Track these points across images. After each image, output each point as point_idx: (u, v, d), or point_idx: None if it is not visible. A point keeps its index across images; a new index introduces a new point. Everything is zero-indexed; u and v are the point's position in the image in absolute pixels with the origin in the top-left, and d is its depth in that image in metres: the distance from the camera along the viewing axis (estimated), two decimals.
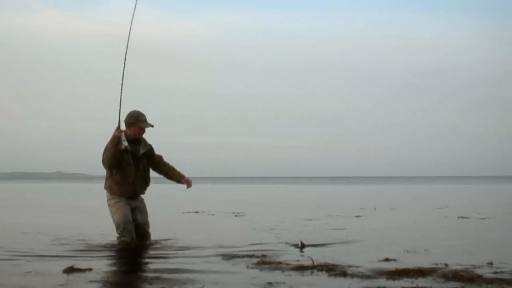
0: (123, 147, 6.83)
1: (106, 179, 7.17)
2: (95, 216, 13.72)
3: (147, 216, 7.32)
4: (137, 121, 6.96)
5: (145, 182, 7.23)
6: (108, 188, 7.15)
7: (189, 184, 7.30)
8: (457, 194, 31.20)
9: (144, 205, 7.32)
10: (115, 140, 6.83)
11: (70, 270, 5.53)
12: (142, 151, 7.10)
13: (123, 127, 6.99)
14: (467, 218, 12.60)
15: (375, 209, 16.04)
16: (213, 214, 13.88)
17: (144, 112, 7.07)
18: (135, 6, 7.04)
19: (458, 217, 12.75)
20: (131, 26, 7.01)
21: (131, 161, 6.96)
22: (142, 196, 7.34)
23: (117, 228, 7.08)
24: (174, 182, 7.51)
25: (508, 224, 11.51)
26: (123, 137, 6.87)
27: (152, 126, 7.03)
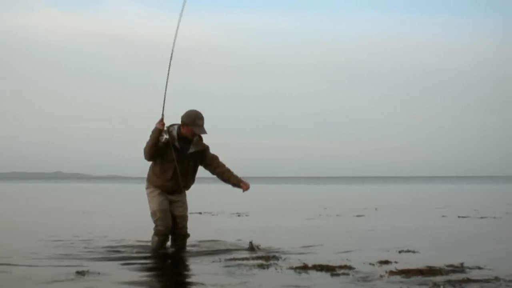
0: (163, 139, 6.62)
1: (149, 168, 7.01)
2: (97, 217, 13.76)
3: (186, 211, 7.06)
4: (192, 124, 6.69)
5: (187, 182, 6.94)
6: (148, 178, 6.99)
7: (245, 187, 6.94)
8: (458, 194, 31.20)
9: (185, 200, 7.07)
10: (156, 132, 6.60)
11: (80, 274, 5.52)
12: (191, 150, 6.81)
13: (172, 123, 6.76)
14: (467, 218, 12.63)
15: (376, 209, 16.07)
16: (216, 215, 13.91)
17: (202, 115, 6.76)
18: (182, 9, 6.54)
19: (458, 217, 12.78)
20: (177, 29, 6.60)
21: (175, 158, 6.70)
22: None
23: (153, 215, 6.87)
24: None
25: (508, 224, 11.52)
26: (171, 135, 6.69)
27: (206, 133, 6.76)
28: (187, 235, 7.13)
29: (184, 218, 7.04)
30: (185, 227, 7.06)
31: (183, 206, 7.03)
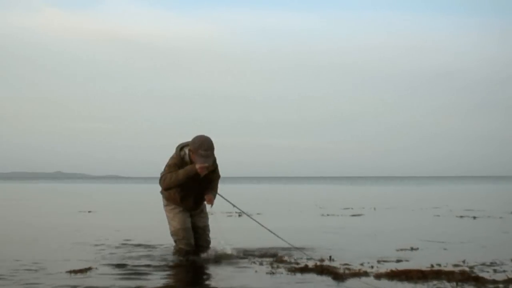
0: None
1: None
2: (101, 217, 13.73)
3: (207, 220, 7.02)
4: (195, 152, 6.42)
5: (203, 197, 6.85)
6: (167, 197, 6.85)
7: (208, 201, 6.70)
8: (462, 194, 31.18)
9: (205, 208, 7.03)
10: (192, 174, 6.41)
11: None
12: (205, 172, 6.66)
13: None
14: (466, 218, 12.61)
15: (374, 208, 16.05)
16: (218, 213, 13.86)
17: (208, 145, 6.46)
18: None
19: (457, 217, 12.76)
20: None
21: (193, 182, 6.59)
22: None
23: (175, 235, 6.73)
24: None
25: (508, 224, 11.50)
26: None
27: (208, 165, 6.47)
28: (209, 240, 7.04)
29: (207, 228, 7.01)
30: (207, 238, 7.00)
31: (205, 216, 7.01)
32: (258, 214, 14.12)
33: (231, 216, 13.37)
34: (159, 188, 6.94)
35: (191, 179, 6.55)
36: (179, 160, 6.54)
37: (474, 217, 12.54)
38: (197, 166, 6.38)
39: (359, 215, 13.57)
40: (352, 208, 16.07)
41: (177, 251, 6.75)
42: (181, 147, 6.62)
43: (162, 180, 6.56)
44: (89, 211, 15.65)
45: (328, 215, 13.72)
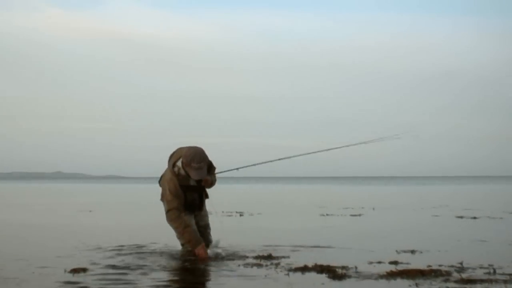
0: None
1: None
2: (100, 217, 13.72)
3: (208, 219, 7.16)
4: (187, 165, 6.61)
5: (204, 196, 7.10)
6: None
7: (205, 182, 6.87)
8: (461, 194, 31.15)
9: (205, 208, 7.15)
10: (193, 249, 6.61)
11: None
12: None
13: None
14: (466, 218, 12.59)
15: (373, 208, 16.05)
16: (218, 213, 13.88)
17: (200, 157, 6.62)
18: None
19: (457, 217, 12.75)
20: None
21: (193, 190, 6.84)
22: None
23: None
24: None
25: (507, 224, 11.50)
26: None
27: (201, 178, 6.69)
28: (211, 238, 7.15)
29: (208, 226, 7.15)
30: (209, 237, 7.12)
31: (206, 214, 7.14)
32: (258, 214, 14.15)
33: (231, 216, 13.38)
34: (159, 188, 6.99)
35: (191, 189, 6.76)
36: (176, 180, 6.69)
37: (474, 218, 12.52)
38: (200, 254, 6.50)
39: (358, 215, 13.57)
40: (352, 208, 16.07)
41: (186, 252, 6.80)
42: (173, 164, 6.74)
43: (170, 217, 6.68)
44: (90, 211, 15.65)
45: (327, 215, 13.71)
